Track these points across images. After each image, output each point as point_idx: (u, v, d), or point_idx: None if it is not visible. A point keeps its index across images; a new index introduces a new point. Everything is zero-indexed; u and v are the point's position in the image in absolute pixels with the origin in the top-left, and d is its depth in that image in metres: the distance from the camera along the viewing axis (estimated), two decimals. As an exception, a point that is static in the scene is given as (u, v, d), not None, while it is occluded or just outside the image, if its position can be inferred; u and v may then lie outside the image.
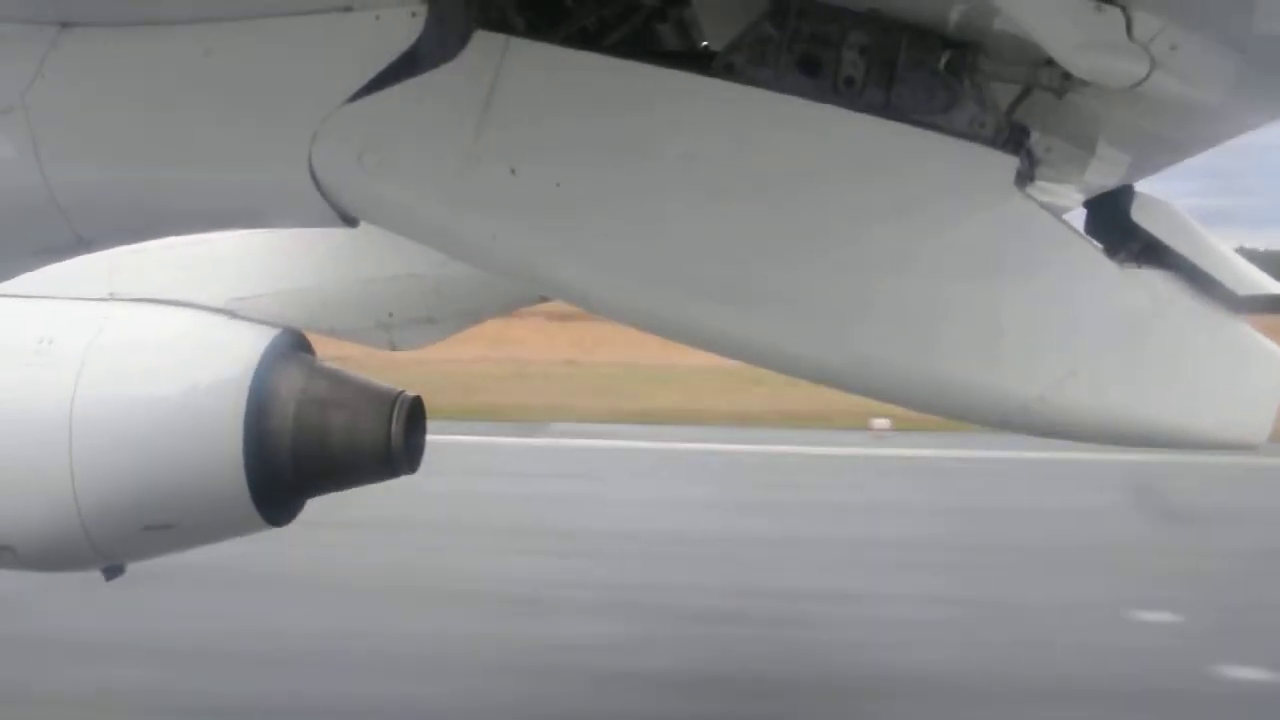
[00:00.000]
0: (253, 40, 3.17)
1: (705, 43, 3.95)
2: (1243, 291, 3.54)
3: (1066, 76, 3.18)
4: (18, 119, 3.19)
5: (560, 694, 8.15)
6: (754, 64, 3.26)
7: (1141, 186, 4.04)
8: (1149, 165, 4.11)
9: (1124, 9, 2.73)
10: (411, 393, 5.43)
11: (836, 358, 3.32)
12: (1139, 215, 3.61)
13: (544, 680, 8.37)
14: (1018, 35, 3.00)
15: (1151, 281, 3.41)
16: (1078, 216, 4.29)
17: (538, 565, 11.30)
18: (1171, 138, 3.70)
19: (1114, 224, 3.70)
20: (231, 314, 5.40)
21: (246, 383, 5.10)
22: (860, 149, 3.25)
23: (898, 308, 3.27)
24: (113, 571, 5.62)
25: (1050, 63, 3.15)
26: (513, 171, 3.20)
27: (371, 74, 3.15)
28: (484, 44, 3.21)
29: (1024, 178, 3.34)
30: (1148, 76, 2.81)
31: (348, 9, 3.12)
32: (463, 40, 3.21)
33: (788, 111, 3.21)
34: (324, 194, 3.23)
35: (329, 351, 5.72)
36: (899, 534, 12.62)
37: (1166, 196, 3.78)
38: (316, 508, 5.61)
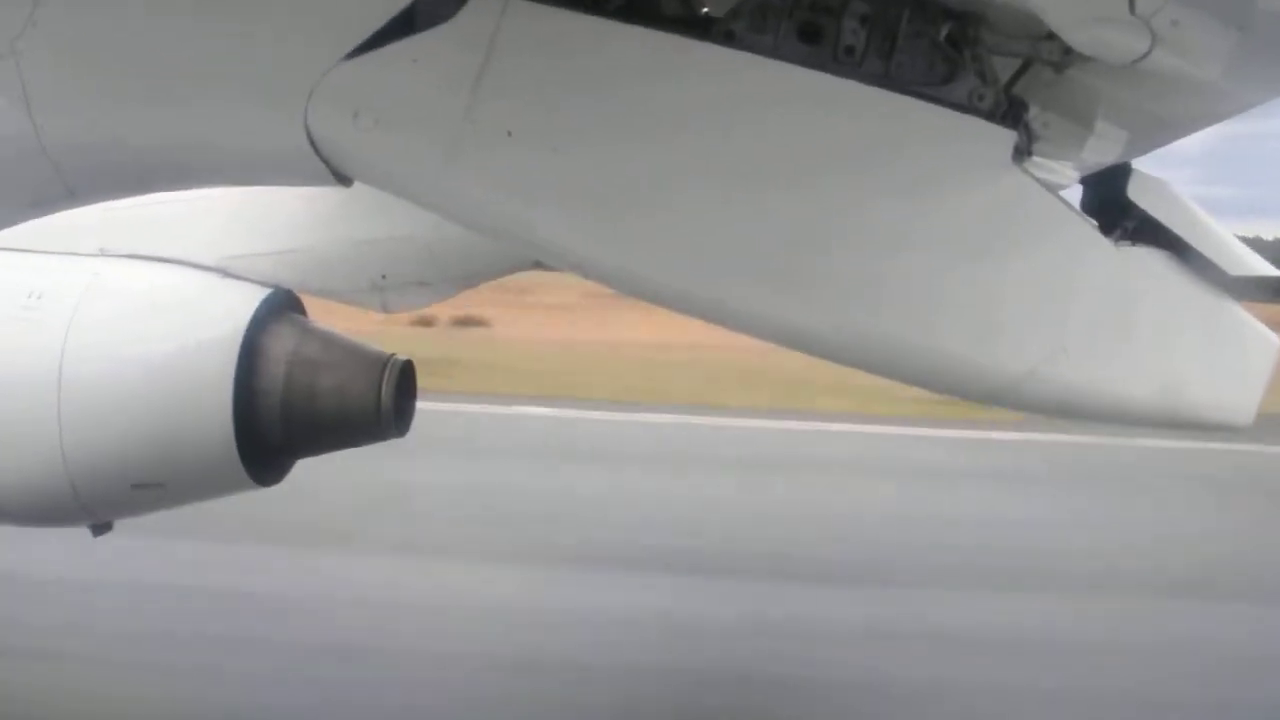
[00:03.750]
0: None
1: (705, 9, 3.92)
2: (1235, 273, 3.55)
3: (1067, 51, 3.17)
4: (8, 68, 3.15)
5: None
6: (754, 31, 3.23)
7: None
8: (1147, 142, 4.10)
9: None
10: (402, 356, 5.42)
11: (826, 328, 3.32)
12: (1135, 193, 3.61)
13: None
14: (1019, 8, 2.98)
15: (1145, 260, 3.41)
16: (1074, 193, 4.29)
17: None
18: (1171, 115, 3.70)
19: (1110, 201, 3.69)
20: (224, 272, 5.38)
21: (237, 342, 5.09)
22: (858, 119, 3.23)
23: (890, 280, 3.27)
24: (100, 528, 5.62)
25: (1051, 37, 3.14)
26: (509, 134, 3.18)
27: (369, 31, 3.12)
28: (482, 4, 3.18)
29: (1021, 153, 3.34)
30: (1149, 52, 2.81)
31: None
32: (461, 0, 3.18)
33: (786, 80, 3.19)
34: (319, 152, 3.21)
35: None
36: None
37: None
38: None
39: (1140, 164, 4.08)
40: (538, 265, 5.95)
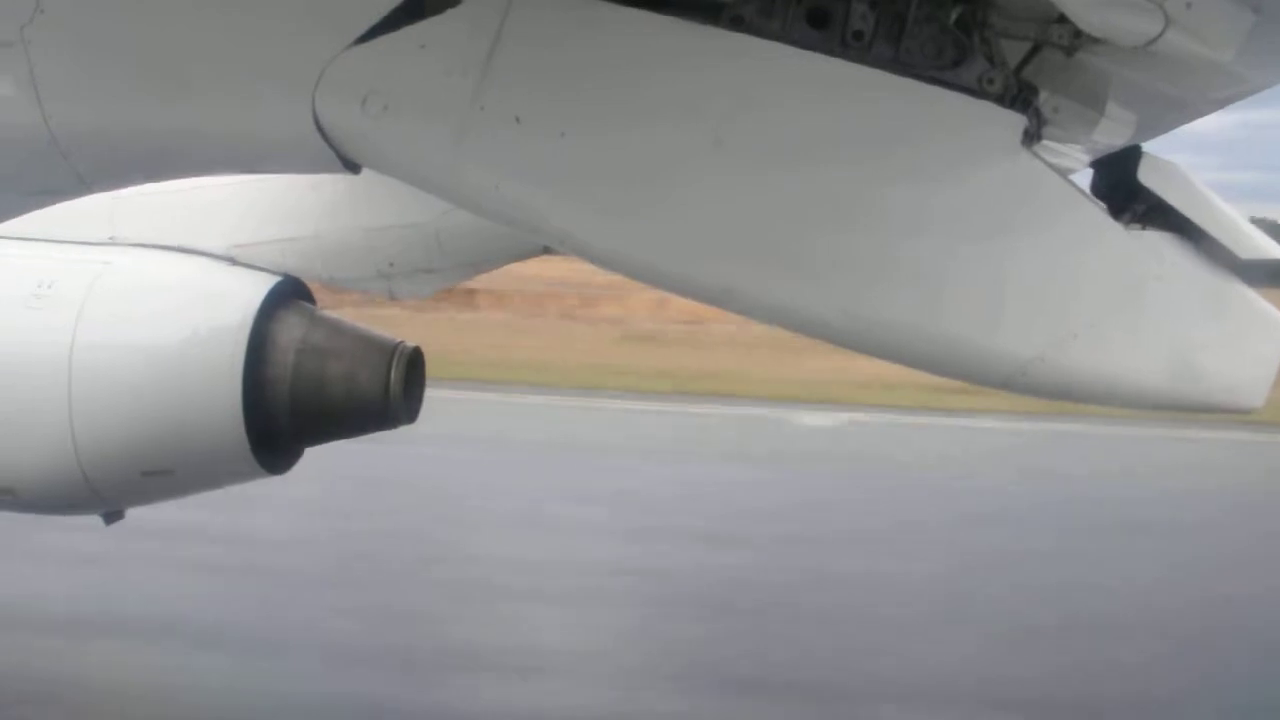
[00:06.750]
0: None
1: None
2: (1246, 256, 3.53)
3: (1078, 34, 3.14)
4: (17, 55, 3.14)
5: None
6: (762, 16, 3.22)
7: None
8: (1158, 126, 4.08)
9: None
10: (411, 343, 5.43)
11: (834, 314, 3.31)
12: (1146, 176, 3.58)
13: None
14: None
15: (1155, 243, 3.39)
16: (1084, 177, 4.27)
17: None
18: (1182, 98, 3.67)
19: (1120, 185, 3.67)
20: (232, 260, 5.39)
21: (246, 330, 5.10)
22: (867, 104, 3.22)
23: (899, 265, 3.26)
24: (112, 516, 5.65)
25: (1062, 19, 3.12)
26: (517, 120, 3.17)
27: (378, 17, 3.11)
28: None
29: (1031, 137, 3.32)
30: (1161, 34, 2.78)
31: None
32: None
33: (794, 64, 3.18)
34: (327, 139, 3.20)
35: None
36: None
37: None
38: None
39: (1159, 149, 4.05)
40: (546, 251, 5.95)
